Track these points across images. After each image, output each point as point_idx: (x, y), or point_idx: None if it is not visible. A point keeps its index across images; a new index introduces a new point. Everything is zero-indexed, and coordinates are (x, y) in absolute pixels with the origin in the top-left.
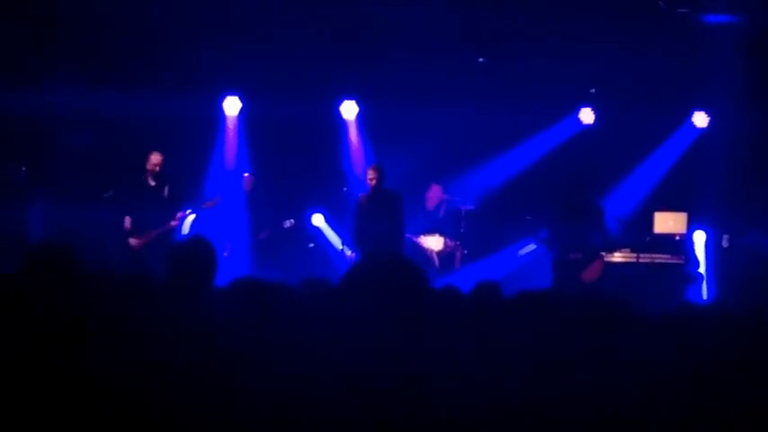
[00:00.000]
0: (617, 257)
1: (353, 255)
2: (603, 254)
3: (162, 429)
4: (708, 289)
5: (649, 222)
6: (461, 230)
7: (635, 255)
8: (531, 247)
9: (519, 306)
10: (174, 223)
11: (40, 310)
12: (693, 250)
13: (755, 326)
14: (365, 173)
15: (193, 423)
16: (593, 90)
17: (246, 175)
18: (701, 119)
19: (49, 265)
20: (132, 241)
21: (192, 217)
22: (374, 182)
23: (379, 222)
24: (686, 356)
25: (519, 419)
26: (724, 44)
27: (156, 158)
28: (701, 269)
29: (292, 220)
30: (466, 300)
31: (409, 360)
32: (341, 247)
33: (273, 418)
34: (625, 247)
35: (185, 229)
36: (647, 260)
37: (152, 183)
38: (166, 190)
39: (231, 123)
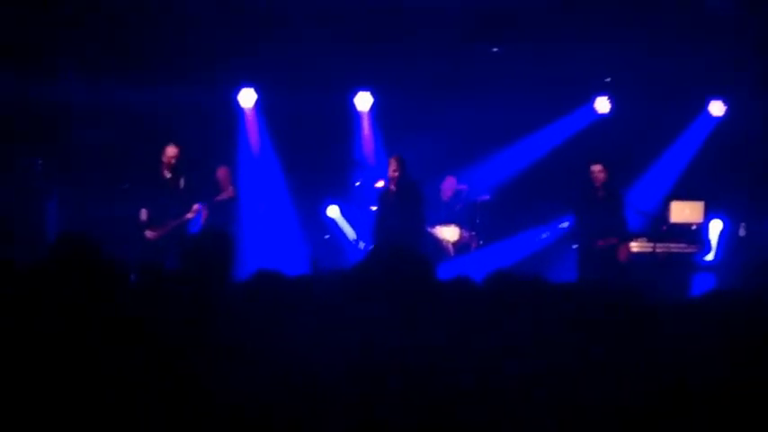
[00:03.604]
0: (633, 247)
1: (367, 247)
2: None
3: (182, 419)
4: (721, 277)
5: (666, 212)
6: (477, 221)
7: (651, 244)
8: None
9: (532, 296)
10: (190, 215)
11: (62, 300)
12: (710, 239)
13: None
14: (386, 164)
15: (213, 413)
16: (608, 79)
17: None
18: (717, 107)
19: (72, 256)
20: (148, 233)
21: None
22: (397, 173)
23: (401, 214)
24: (702, 345)
25: (531, 407)
26: (739, 31)
27: (171, 151)
28: (710, 257)
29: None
30: (479, 290)
31: (417, 350)
32: (354, 238)
33: (289, 408)
34: (641, 237)
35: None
36: (664, 250)
37: (168, 175)
38: (182, 182)
39: (251, 114)
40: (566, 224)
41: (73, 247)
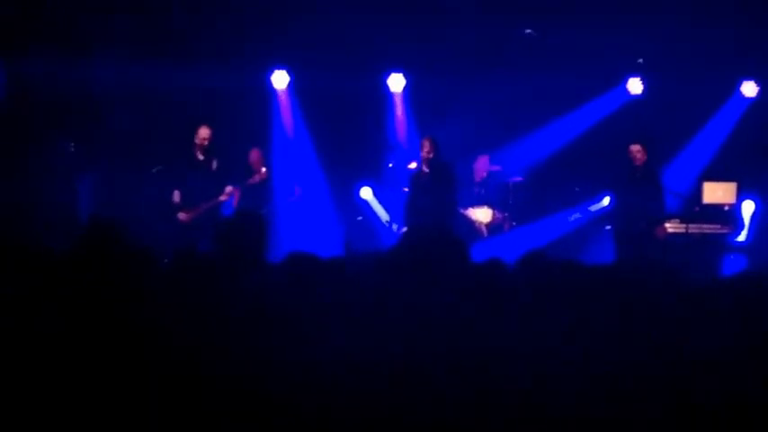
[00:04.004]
0: (667, 227)
1: (401, 229)
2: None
3: (217, 401)
4: (753, 258)
5: (698, 192)
6: (510, 202)
7: (684, 225)
8: (600, 204)
9: (566, 277)
10: (223, 198)
11: (93, 286)
12: (743, 220)
13: None
14: (419, 145)
15: (249, 396)
16: (640, 60)
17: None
18: (749, 88)
19: (101, 242)
20: (181, 216)
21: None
22: (430, 154)
23: (433, 195)
24: (738, 325)
25: (568, 388)
26: None
27: (204, 132)
28: (742, 238)
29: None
30: (512, 272)
31: (453, 332)
32: (387, 220)
33: (323, 391)
34: (674, 218)
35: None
36: (696, 230)
37: (201, 157)
38: (215, 164)
39: (283, 96)
40: (599, 205)
41: (102, 232)
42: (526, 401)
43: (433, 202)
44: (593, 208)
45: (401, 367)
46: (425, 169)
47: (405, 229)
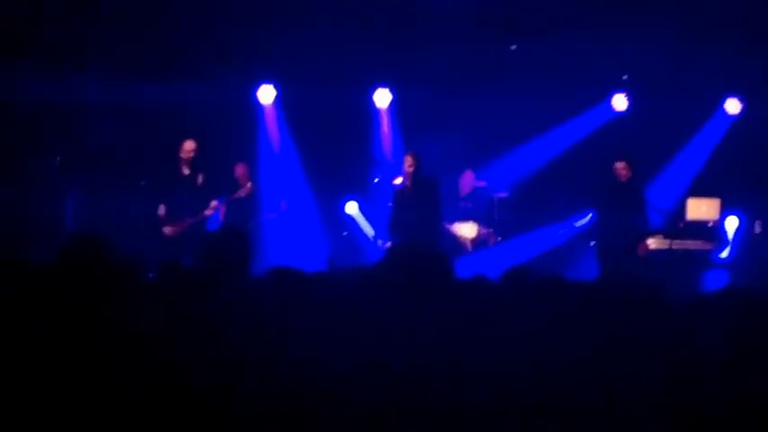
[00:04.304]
0: (650, 244)
1: (386, 244)
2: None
3: (201, 415)
4: (737, 274)
5: (682, 209)
6: (495, 218)
7: (668, 241)
8: (585, 220)
9: (550, 293)
10: (208, 212)
11: (74, 301)
12: (726, 236)
13: None
14: (402, 160)
15: (234, 409)
16: (625, 77)
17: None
18: (733, 105)
19: (84, 257)
20: (167, 230)
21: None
22: (412, 169)
23: (416, 210)
24: (721, 341)
25: (550, 403)
26: (755, 29)
27: (189, 145)
28: (725, 254)
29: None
30: (495, 288)
31: (436, 348)
32: (373, 236)
33: (305, 407)
34: (658, 234)
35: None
36: (680, 247)
37: (186, 171)
38: (201, 179)
39: (270, 111)
40: (584, 221)
41: (83, 247)
42: (511, 416)
43: (416, 217)
44: (579, 223)
45: (386, 382)
46: (408, 184)
47: (389, 244)
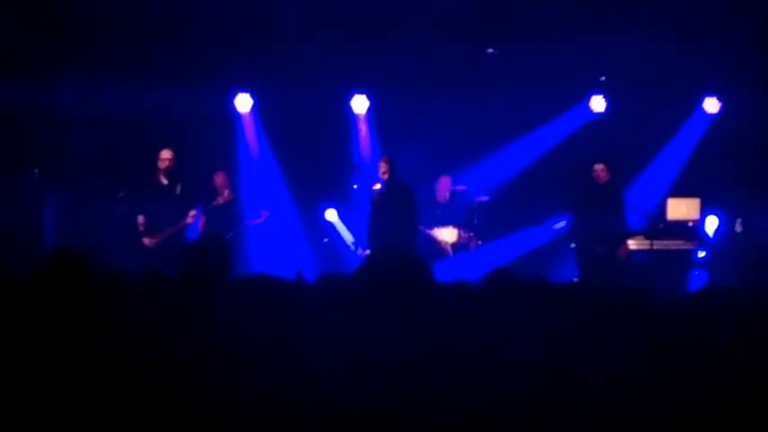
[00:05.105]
0: (631, 245)
1: (364, 252)
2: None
3: (182, 424)
4: (717, 274)
5: (663, 209)
6: (475, 222)
7: (649, 241)
8: (564, 222)
9: (532, 297)
10: (187, 221)
11: (57, 312)
12: (707, 236)
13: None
14: (377, 166)
15: (208, 420)
16: (603, 78)
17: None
18: (712, 104)
19: (64, 269)
20: (146, 241)
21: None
22: (386, 175)
23: (392, 216)
24: (703, 341)
25: (532, 409)
26: (732, 29)
27: (166, 154)
28: (704, 254)
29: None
30: (477, 291)
31: (417, 355)
32: (352, 243)
33: (285, 414)
34: (639, 234)
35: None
36: (661, 247)
37: (164, 181)
38: (179, 188)
39: (247, 119)
40: (562, 224)
41: (65, 259)
42: (491, 419)
43: (393, 223)
44: (558, 226)
45: (366, 388)
46: (383, 190)
47: (367, 252)
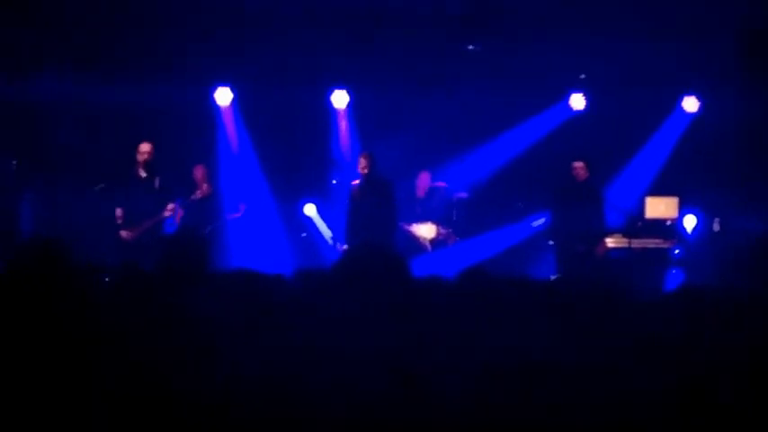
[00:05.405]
0: (609, 243)
1: (342, 247)
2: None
3: (159, 417)
4: (694, 272)
5: (641, 207)
6: (454, 218)
7: (627, 240)
8: (542, 219)
9: (507, 293)
10: (165, 214)
11: (32, 305)
12: (685, 234)
13: (742, 305)
14: (357, 161)
15: (188, 416)
16: (583, 76)
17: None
18: (690, 104)
19: (40, 261)
20: (124, 233)
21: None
22: (366, 170)
23: (371, 211)
24: (681, 339)
25: (508, 402)
26: (713, 27)
27: (145, 147)
28: (681, 252)
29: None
30: (452, 287)
31: (395, 350)
32: (331, 238)
33: (265, 408)
34: (617, 233)
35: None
36: (639, 245)
37: (143, 174)
38: (157, 181)
39: (227, 113)
40: (541, 221)
41: (40, 251)
42: (466, 417)
43: (372, 218)
44: (536, 223)
45: (341, 383)
46: (363, 185)
47: (345, 246)
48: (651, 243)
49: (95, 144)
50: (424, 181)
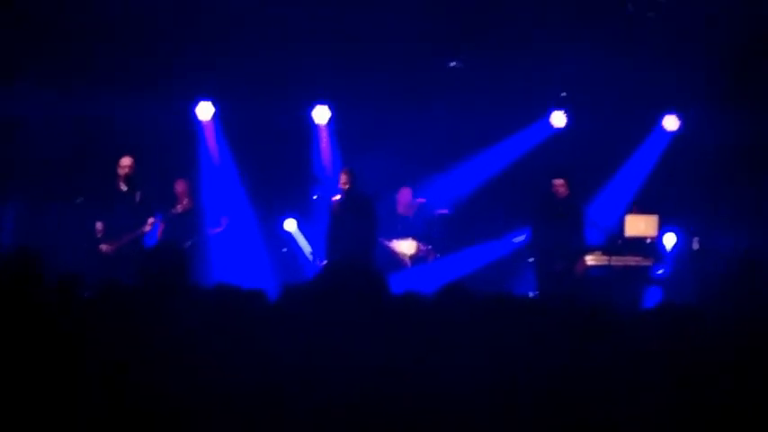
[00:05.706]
0: (589, 260)
1: (322, 262)
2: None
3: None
4: (673, 291)
5: (621, 225)
6: (434, 235)
7: (607, 257)
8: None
9: (486, 310)
10: (146, 228)
11: (11, 317)
12: (665, 253)
13: (726, 325)
14: (338, 177)
15: (169, 426)
16: (564, 94)
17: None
18: (671, 122)
19: (20, 273)
20: (104, 247)
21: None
22: (347, 186)
23: (351, 227)
24: (660, 355)
25: (482, 419)
26: (693, 47)
27: (125, 161)
28: (660, 271)
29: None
30: (431, 304)
31: (373, 366)
32: (310, 254)
33: (244, 421)
34: (597, 250)
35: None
36: (619, 263)
37: (124, 188)
38: (138, 195)
39: (209, 127)
40: (521, 238)
41: (18, 263)
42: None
43: (352, 233)
44: (517, 240)
45: (319, 397)
46: (343, 201)
47: (325, 262)
48: (631, 261)
49: (76, 157)
50: (404, 197)
